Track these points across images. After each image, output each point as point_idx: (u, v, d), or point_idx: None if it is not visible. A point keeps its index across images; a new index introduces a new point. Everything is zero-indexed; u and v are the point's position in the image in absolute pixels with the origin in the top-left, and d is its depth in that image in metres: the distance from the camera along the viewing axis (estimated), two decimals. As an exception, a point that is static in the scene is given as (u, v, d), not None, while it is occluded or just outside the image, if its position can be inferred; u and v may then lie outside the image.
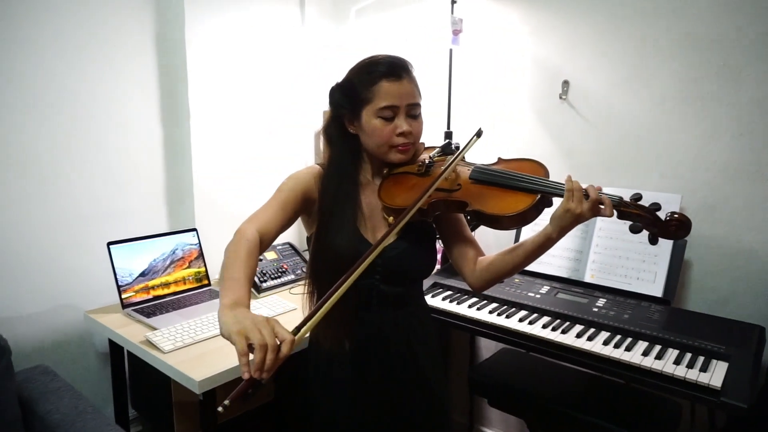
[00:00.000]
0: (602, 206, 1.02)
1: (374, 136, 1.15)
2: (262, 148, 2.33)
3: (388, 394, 1.21)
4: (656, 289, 1.65)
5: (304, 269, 2.17)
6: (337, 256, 1.12)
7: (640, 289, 1.67)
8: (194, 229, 2.02)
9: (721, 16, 1.63)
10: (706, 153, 1.71)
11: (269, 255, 2.15)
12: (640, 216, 1.03)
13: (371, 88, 1.13)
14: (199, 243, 2.02)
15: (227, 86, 2.16)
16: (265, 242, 1.08)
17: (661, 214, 1.03)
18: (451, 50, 2.07)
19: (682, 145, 1.74)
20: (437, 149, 1.24)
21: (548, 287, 1.80)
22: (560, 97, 1.97)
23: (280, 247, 2.22)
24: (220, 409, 0.74)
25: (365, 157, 1.23)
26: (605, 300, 1.68)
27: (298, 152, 2.49)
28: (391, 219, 1.17)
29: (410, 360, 1.23)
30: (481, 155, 1.34)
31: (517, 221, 1.08)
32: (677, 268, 1.65)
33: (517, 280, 1.87)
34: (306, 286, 1.22)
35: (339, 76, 1.23)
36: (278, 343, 0.79)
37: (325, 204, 1.17)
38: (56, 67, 1.79)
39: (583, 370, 1.66)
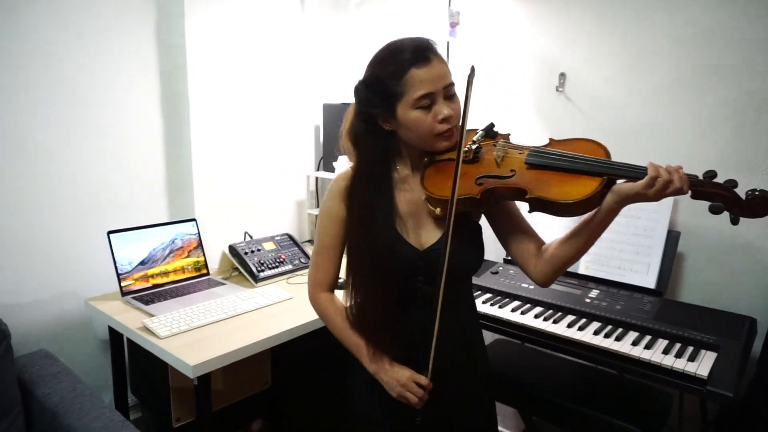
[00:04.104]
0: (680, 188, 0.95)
1: (416, 128, 1.06)
2: (261, 138, 2.35)
3: (431, 395, 1.13)
4: (649, 281, 1.66)
5: (302, 260, 2.19)
6: (373, 259, 1.09)
7: (633, 280, 1.68)
8: (194, 219, 2.05)
9: (717, 8, 1.63)
10: (701, 145, 1.70)
11: (267, 246, 2.17)
12: (718, 195, 0.96)
13: (402, 80, 1.04)
14: (199, 233, 2.04)
15: (227, 76, 2.17)
16: (333, 286, 1.23)
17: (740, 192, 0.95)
18: (448, 43, 2.08)
19: (677, 137, 1.74)
20: (479, 132, 1.15)
21: (542, 278, 1.80)
22: (557, 90, 1.97)
23: (278, 237, 2.24)
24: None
25: (403, 152, 1.14)
26: (598, 291, 1.69)
27: (297, 142, 2.51)
28: (438, 210, 1.09)
29: (455, 363, 1.17)
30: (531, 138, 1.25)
31: (583, 207, 0.99)
32: (670, 260, 1.66)
33: (511, 271, 1.88)
34: (346, 278, 1.16)
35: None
36: (422, 390, 1.09)
37: (354, 212, 1.12)
38: (56, 58, 1.82)
39: (576, 361, 1.67)
